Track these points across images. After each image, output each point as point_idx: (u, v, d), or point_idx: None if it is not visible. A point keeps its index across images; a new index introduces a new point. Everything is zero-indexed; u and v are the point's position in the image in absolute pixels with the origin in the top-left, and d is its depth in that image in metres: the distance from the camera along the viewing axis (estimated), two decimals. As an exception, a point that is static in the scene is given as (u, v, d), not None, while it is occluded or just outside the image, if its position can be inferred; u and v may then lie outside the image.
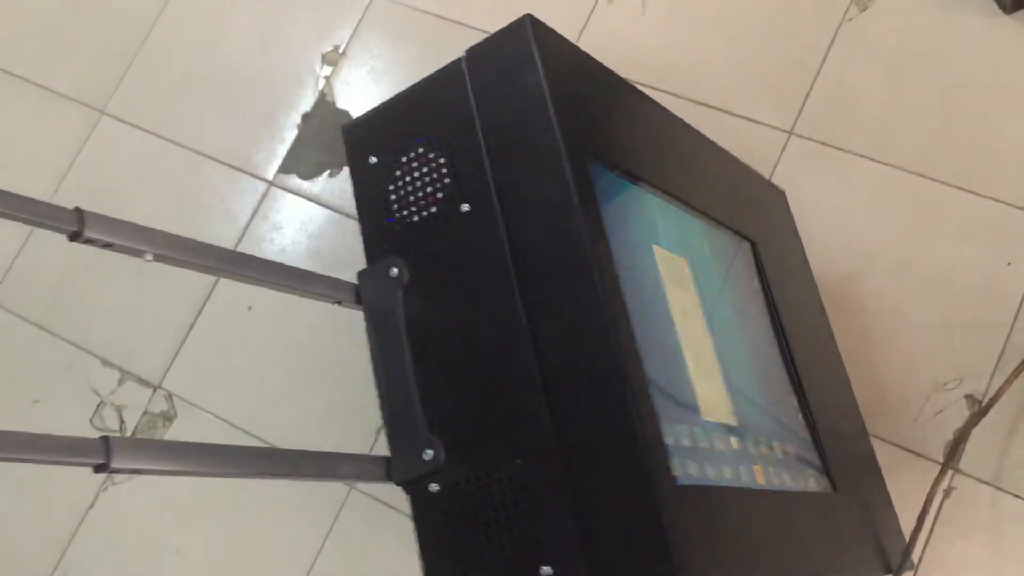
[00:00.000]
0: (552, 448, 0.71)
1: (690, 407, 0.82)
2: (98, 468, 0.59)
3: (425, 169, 0.83)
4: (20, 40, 1.74)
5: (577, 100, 0.82)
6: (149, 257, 0.72)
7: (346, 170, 1.51)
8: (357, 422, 1.36)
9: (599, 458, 0.70)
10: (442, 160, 0.82)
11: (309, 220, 1.50)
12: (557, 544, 0.69)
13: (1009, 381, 1.15)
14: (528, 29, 0.79)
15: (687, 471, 0.74)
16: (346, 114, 1.54)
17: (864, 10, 1.37)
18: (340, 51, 1.58)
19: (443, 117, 0.83)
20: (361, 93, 1.55)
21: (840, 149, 1.32)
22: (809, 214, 1.28)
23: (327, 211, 1.49)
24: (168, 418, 1.43)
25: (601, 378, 0.71)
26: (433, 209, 0.81)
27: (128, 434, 1.43)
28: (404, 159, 0.84)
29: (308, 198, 1.51)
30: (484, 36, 0.83)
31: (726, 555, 0.73)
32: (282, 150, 1.55)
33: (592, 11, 1.47)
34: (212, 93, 1.62)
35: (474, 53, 0.83)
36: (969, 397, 1.17)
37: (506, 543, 0.71)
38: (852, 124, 1.32)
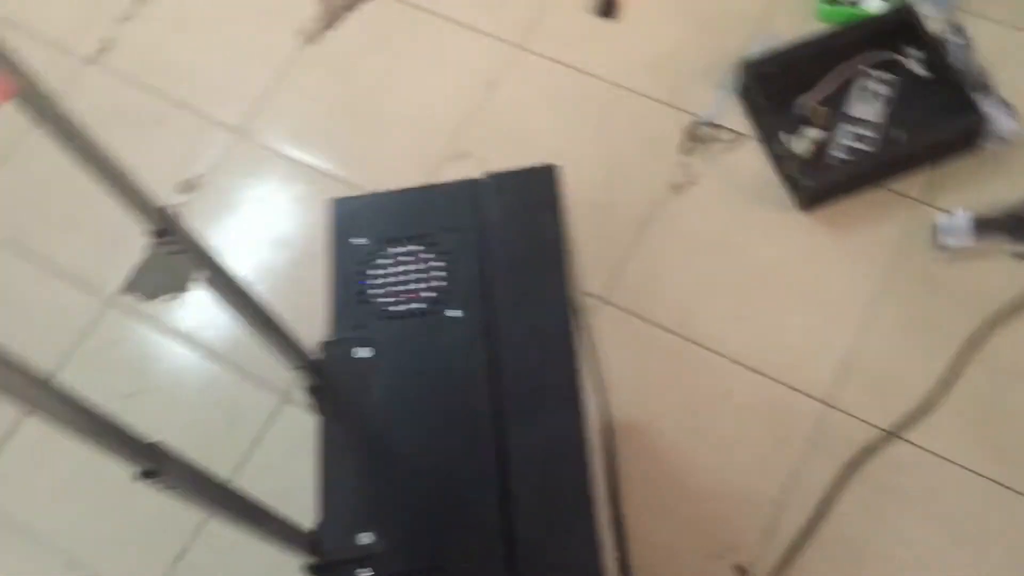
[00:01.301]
0: (499, 560, 0.76)
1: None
2: (147, 474, 0.59)
3: (417, 267, 0.88)
4: None
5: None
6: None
7: (184, 296, 1.54)
8: None
9: None
10: (439, 264, 0.88)
11: (144, 340, 1.52)
12: None
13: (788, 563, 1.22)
14: (555, 175, 0.89)
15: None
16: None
17: (679, 194, 1.50)
18: (193, 184, 1.63)
19: (450, 227, 0.89)
20: (212, 221, 1.60)
21: (645, 319, 1.41)
22: (613, 372, 1.36)
23: (160, 336, 1.52)
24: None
25: (573, 506, 0.77)
26: (417, 305, 0.86)
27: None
28: (395, 250, 0.90)
29: (145, 317, 1.53)
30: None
31: None
32: (124, 272, 1.58)
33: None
34: (69, 220, 1.65)
35: (498, 181, 0.91)
36: (737, 567, 1.23)
37: None
38: (657, 298, 1.43)
